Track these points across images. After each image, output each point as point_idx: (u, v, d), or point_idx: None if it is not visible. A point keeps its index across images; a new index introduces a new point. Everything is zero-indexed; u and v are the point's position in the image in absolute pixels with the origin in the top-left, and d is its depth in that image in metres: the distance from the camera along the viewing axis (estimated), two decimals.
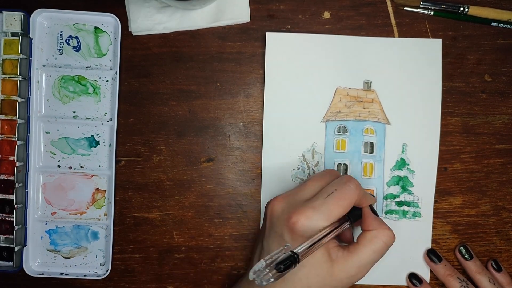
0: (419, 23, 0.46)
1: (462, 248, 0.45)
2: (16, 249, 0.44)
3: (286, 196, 0.38)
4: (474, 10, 0.45)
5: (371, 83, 0.45)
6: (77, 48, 0.45)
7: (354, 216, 0.39)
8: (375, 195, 0.46)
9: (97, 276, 0.45)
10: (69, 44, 0.45)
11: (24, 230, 0.45)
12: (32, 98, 0.45)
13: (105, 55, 0.45)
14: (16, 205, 0.44)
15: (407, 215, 0.46)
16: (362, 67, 0.45)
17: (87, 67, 0.45)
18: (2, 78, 0.43)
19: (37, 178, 0.45)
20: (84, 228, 0.46)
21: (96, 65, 0.45)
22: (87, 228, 0.46)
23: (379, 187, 0.46)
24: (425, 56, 0.45)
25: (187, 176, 0.46)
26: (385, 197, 0.46)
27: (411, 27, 0.45)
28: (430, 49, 0.45)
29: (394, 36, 0.45)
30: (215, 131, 0.46)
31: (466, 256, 0.45)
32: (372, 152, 0.46)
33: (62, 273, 0.46)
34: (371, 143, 0.46)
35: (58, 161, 0.45)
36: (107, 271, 0.45)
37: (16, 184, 0.44)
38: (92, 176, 0.46)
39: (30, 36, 0.44)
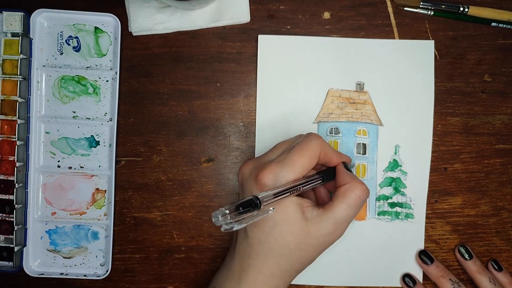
0: (419, 23, 0.46)
1: (462, 248, 0.45)
2: (16, 249, 0.44)
3: (255, 159, 0.40)
4: (474, 10, 0.45)
5: (363, 84, 0.45)
6: (77, 48, 0.45)
7: (327, 174, 0.39)
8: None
9: (97, 276, 0.45)
10: (69, 44, 0.45)
11: (24, 230, 0.45)
12: (32, 98, 0.45)
13: (105, 55, 0.45)
14: (16, 205, 0.44)
15: (399, 216, 0.46)
16: (355, 69, 0.45)
17: (87, 67, 0.45)
18: (2, 78, 0.43)
19: (37, 178, 0.45)
20: (84, 228, 0.46)
21: (96, 65, 0.45)
22: (87, 228, 0.46)
23: (372, 189, 0.46)
24: (417, 58, 0.45)
25: (187, 176, 0.46)
26: (378, 199, 0.46)
27: (411, 27, 0.45)
28: (423, 51, 0.45)
29: (394, 37, 0.45)
30: (215, 131, 0.46)
31: (466, 256, 0.45)
32: (364, 153, 0.46)
33: (62, 273, 0.46)
34: (364, 145, 0.46)
35: (58, 161, 0.45)
36: (107, 271, 0.45)
37: (16, 184, 0.44)
38: (92, 176, 0.46)
39: (30, 36, 0.44)
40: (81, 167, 0.46)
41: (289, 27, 0.46)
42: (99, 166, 0.46)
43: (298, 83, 0.45)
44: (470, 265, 0.45)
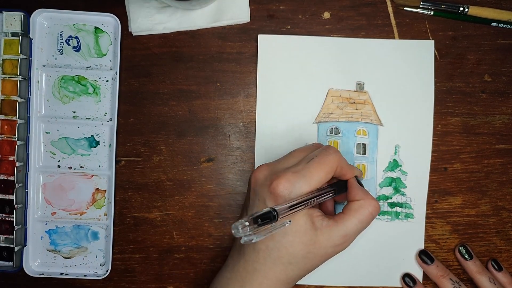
0: (419, 23, 0.46)
1: (462, 248, 0.45)
2: (16, 249, 0.44)
3: (270, 165, 0.39)
4: (474, 10, 0.45)
5: (363, 84, 0.45)
6: (77, 48, 0.45)
7: (339, 187, 0.39)
8: None
9: (97, 276, 0.45)
10: (69, 44, 0.45)
11: (24, 230, 0.45)
12: (32, 98, 0.45)
13: (105, 55, 0.45)
14: (16, 205, 0.44)
15: (399, 216, 0.46)
16: (355, 69, 0.45)
17: (87, 67, 0.45)
18: (2, 78, 0.43)
19: (37, 178, 0.45)
20: (84, 228, 0.46)
21: (96, 65, 0.45)
22: (87, 228, 0.46)
23: (372, 189, 0.46)
24: (417, 58, 0.45)
25: (187, 176, 0.46)
26: (378, 199, 0.46)
27: (411, 27, 0.45)
28: (423, 50, 0.45)
29: (394, 37, 0.45)
30: (215, 131, 0.46)
31: (466, 256, 0.45)
32: (364, 153, 0.46)
33: (62, 273, 0.46)
34: (364, 145, 0.46)
35: (58, 161, 0.46)
36: (107, 271, 0.45)
37: (16, 184, 0.44)
38: (92, 176, 0.46)
39: (30, 36, 0.44)
40: (81, 167, 0.46)
41: (289, 27, 0.46)
42: (99, 166, 0.46)
43: (298, 83, 0.45)
44: (470, 265, 0.45)
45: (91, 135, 0.45)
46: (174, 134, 0.46)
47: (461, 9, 0.45)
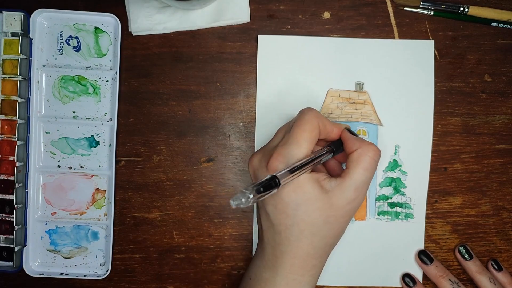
0: (419, 23, 0.46)
1: (462, 248, 0.45)
2: (16, 249, 0.44)
3: (261, 149, 0.39)
4: (474, 10, 0.45)
5: (363, 84, 0.45)
6: (77, 48, 0.45)
7: (336, 146, 0.39)
8: (367, 196, 0.46)
9: (97, 276, 0.45)
10: (69, 44, 0.45)
11: (24, 230, 0.45)
12: (32, 98, 0.45)
13: (105, 55, 0.45)
14: (16, 205, 0.44)
15: (399, 216, 0.46)
16: (354, 69, 0.45)
17: (87, 67, 0.45)
18: (2, 78, 0.43)
19: (37, 178, 0.45)
20: (84, 228, 0.46)
21: (96, 65, 0.45)
22: (87, 228, 0.46)
23: (372, 189, 0.46)
24: (417, 57, 0.45)
25: (187, 176, 0.46)
26: (378, 199, 0.46)
27: (411, 27, 0.45)
28: (423, 50, 0.45)
29: (394, 37, 0.45)
30: (215, 131, 0.46)
31: (466, 256, 0.45)
32: None
33: (62, 273, 0.46)
34: None
35: (58, 161, 0.45)
36: (107, 271, 0.45)
37: (16, 184, 0.44)
38: (92, 176, 0.46)
39: (30, 36, 0.44)
40: (81, 167, 0.46)
41: (289, 27, 0.46)
42: (99, 166, 0.46)
43: (298, 83, 0.45)
44: (470, 265, 0.45)
45: (91, 135, 0.45)
46: (174, 134, 0.46)
47: (461, 9, 0.45)
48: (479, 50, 0.46)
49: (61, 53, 0.45)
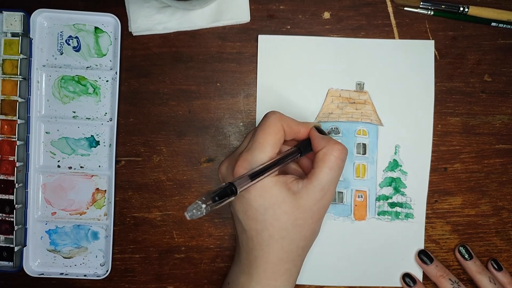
0: (419, 23, 0.46)
1: (462, 248, 0.45)
2: (16, 249, 0.44)
3: (228, 156, 0.40)
4: (474, 10, 0.45)
5: (363, 84, 0.45)
6: (77, 48, 0.45)
7: (304, 145, 0.39)
8: (367, 196, 0.46)
9: (97, 276, 0.45)
10: (69, 44, 0.45)
11: (24, 230, 0.45)
12: (32, 98, 0.45)
13: (105, 55, 0.45)
14: (16, 205, 0.44)
15: (399, 216, 0.46)
16: (354, 69, 0.45)
17: (87, 67, 0.45)
18: (2, 78, 0.43)
19: (37, 178, 0.45)
20: (84, 228, 0.46)
21: (96, 65, 0.45)
22: (87, 228, 0.46)
23: (372, 189, 0.46)
24: (418, 57, 0.45)
25: (187, 176, 0.46)
26: (378, 199, 0.46)
27: (411, 27, 0.45)
28: (423, 50, 0.45)
29: (394, 37, 0.45)
30: (215, 131, 0.46)
31: (466, 256, 0.45)
32: (364, 153, 0.46)
33: (62, 273, 0.46)
34: (364, 144, 0.46)
35: (58, 161, 0.45)
36: (107, 271, 0.45)
37: (16, 184, 0.44)
38: (92, 176, 0.46)
39: (30, 36, 0.44)
40: (81, 167, 0.46)
41: (289, 27, 0.46)
42: (99, 166, 0.46)
43: (298, 83, 0.45)
44: (470, 265, 0.45)
45: (91, 135, 0.45)
46: (174, 134, 0.46)
47: (461, 9, 0.45)
48: (479, 50, 0.46)
49: (61, 53, 0.45)
